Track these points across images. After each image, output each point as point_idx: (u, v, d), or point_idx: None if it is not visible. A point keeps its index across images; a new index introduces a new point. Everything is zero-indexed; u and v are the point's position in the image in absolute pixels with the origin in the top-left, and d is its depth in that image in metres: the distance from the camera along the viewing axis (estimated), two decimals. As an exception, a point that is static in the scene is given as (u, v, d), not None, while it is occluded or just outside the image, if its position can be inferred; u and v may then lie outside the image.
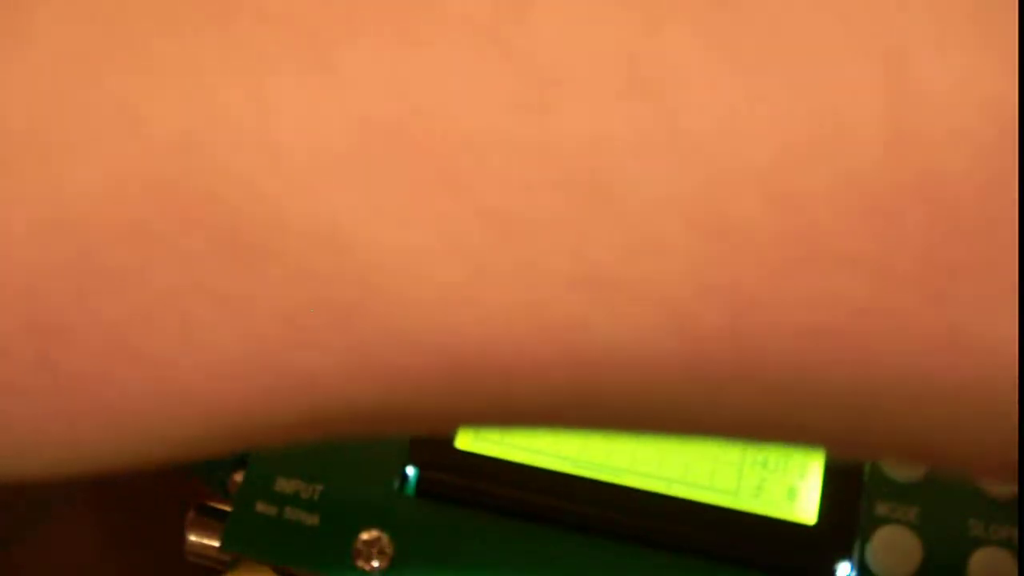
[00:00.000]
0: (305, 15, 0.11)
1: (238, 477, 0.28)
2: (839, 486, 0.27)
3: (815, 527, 0.26)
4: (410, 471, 0.28)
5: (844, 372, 0.11)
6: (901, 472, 0.27)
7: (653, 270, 0.11)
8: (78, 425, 0.13)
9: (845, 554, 0.26)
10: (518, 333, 0.11)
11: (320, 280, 0.12)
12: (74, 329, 0.12)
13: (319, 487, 0.27)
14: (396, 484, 0.28)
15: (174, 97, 0.11)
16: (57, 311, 0.12)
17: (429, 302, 0.11)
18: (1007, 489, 0.26)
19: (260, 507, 0.27)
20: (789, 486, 0.27)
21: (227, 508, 0.27)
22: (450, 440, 0.28)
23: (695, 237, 0.11)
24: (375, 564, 0.27)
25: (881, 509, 0.27)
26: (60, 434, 0.13)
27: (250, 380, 0.12)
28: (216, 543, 0.27)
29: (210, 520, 0.27)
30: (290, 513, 0.27)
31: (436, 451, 0.28)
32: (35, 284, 0.12)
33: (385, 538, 0.27)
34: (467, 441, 0.28)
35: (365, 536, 0.27)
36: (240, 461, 0.28)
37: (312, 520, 0.27)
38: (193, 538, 0.27)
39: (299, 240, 0.11)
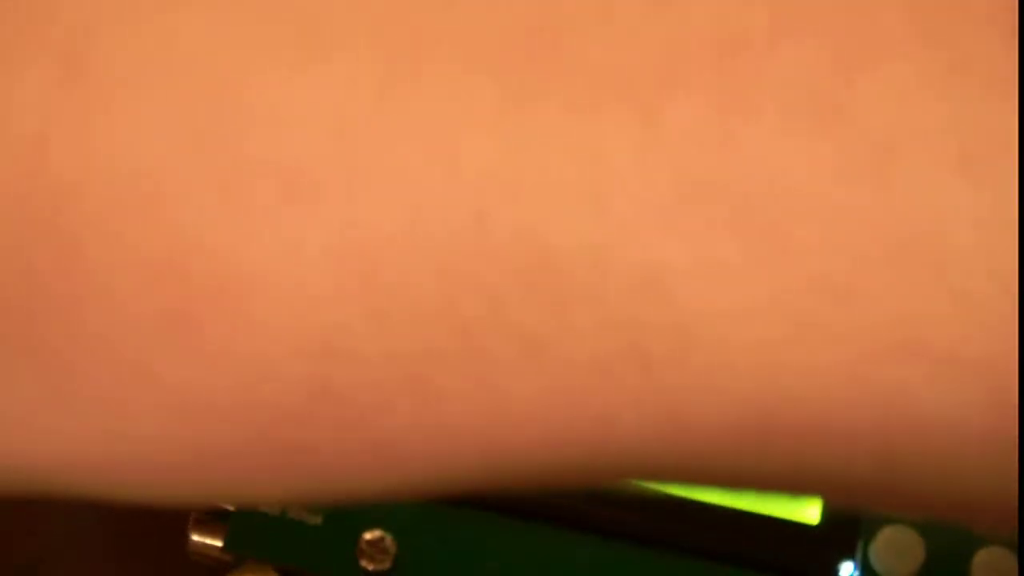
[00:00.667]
0: (628, 67, 0.11)
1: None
2: (842, 486, 0.27)
3: (818, 527, 0.26)
4: (413, 471, 0.27)
5: None
6: (905, 472, 0.27)
7: (980, 345, 0.11)
8: (340, 453, 0.13)
9: (848, 554, 0.26)
10: (835, 396, 0.11)
11: (635, 328, 0.12)
12: (359, 358, 0.12)
13: (321, 487, 0.27)
14: (399, 484, 0.27)
15: (490, 133, 0.12)
16: (345, 337, 0.12)
17: (747, 359, 0.11)
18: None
19: (263, 507, 0.27)
20: (792, 486, 0.27)
21: (230, 508, 0.27)
22: (452, 440, 0.27)
23: (1010, 302, 0.11)
24: (378, 564, 0.27)
25: (884, 509, 0.27)
26: (318, 458, 0.13)
27: (539, 425, 0.12)
28: (219, 543, 0.27)
29: (213, 520, 0.27)
30: (293, 513, 0.27)
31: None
32: (326, 307, 0.12)
33: (388, 538, 0.27)
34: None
35: (368, 536, 0.27)
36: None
37: (315, 520, 0.27)
38: (196, 538, 0.27)
39: (619, 287, 0.11)
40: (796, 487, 0.13)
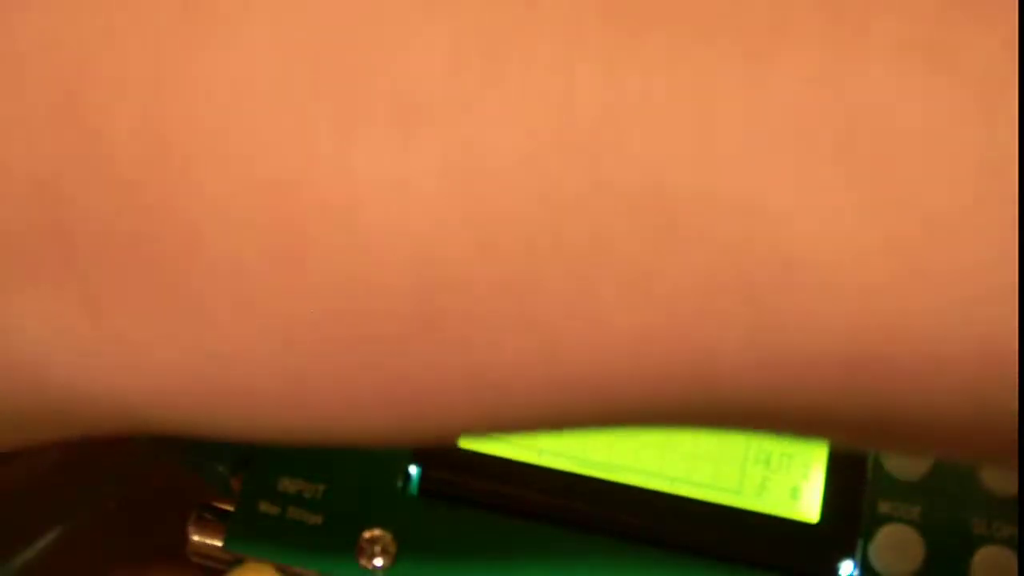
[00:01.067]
0: (740, 10, 0.12)
1: (241, 477, 0.28)
2: (842, 484, 0.27)
3: (818, 525, 0.26)
4: (413, 470, 0.27)
5: None
6: (904, 470, 0.27)
7: None
8: (442, 386, 0.13)
9: (848, 553, 0.26)
10: (938, 332, 0.11)
11: (740, 258, 0.12)
12: (469, 289, 0.12)
13: (322, 487, 0.27)
14: (399, 483, 0.27)
15: (601, 67, 0.12)
16: (452, 268, 0.12)
17: (852, 289, 0.11)
18: (1009, 487, 0.26)
19: (263, 507, 0.27)
20: (792, 485, 0.27)
21: (230, 508, 0.27)
22: (453, 440, 0.27)
23: None
24: (378, 563, 0.27)
25: (884, 507, 0.27)
26: (419, 391, 0.13)
27: (642, 358, 0.12)
28: (219, 543, 0.27)
29: (213, 520, 0.27)
30: (293, 513, 0.27)
31: (439, 450, 0.27)
32: (434, 238, 0.12)
33: (388, 537, 0.27)
34: (470, 440, 0.27)
35: (368, 535, 0.27)
36: (243, 461, 0.28)
37: (315, 519, 0.27)
38: (196, 538, 0.27)
39: (723, 217, 0.12)
40: (877, 431, 0.13)
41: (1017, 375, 0.12)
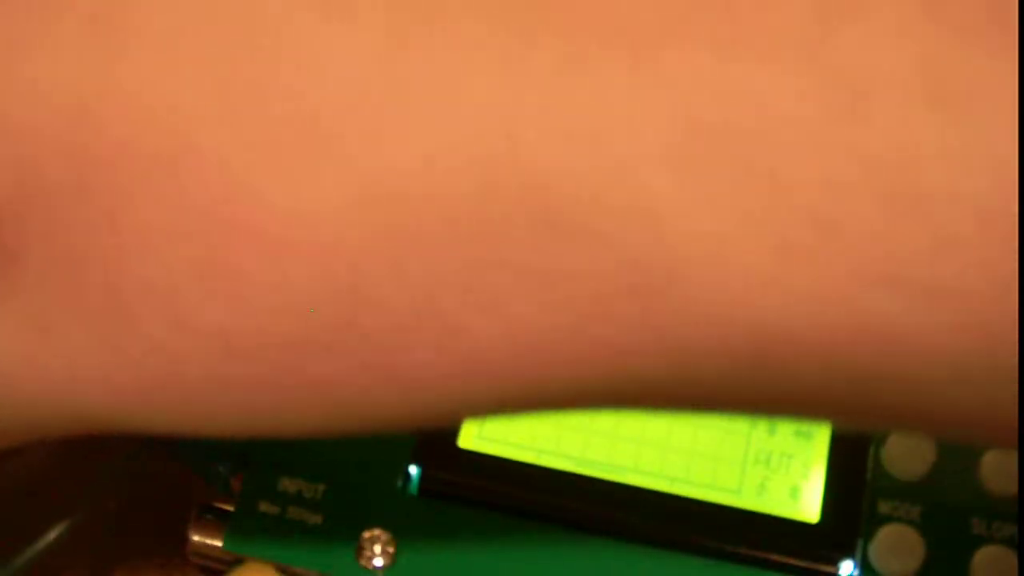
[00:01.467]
0: (627, 15, 0.12)
1: (241, 477, 0.28)
2: (842, 484, 0.27)
3: (818, 525, 0.26)
4: (413, 470, 0.27)
5: None
6: (904, 470, 0.27)
7: (952, 271, 0.12)
8: (364, 386, 0.14)
9: (848, 552, 0.26)
10: (821, 323, 0.12)
11: (630, 260, 0.12)
12: (381, 295, 0.13)
13: (322, 486, 0.27)
14: (399, 483, 0.27)
15: (494, 81, 0.12)
16: (366, 277, 0.13)
17: (735, 286, 0.12)
18: (1009, 487, 0.26)
19: (263, 507, 0.27)
20: (792, 485, 0.27)
21: (229, 508, 0.27)
22: (453, 439, 0.28)
23: (988, 237, 0.11)
24: (378, 563, 0.27)
25: (884, 507, 0.27)
26: (343, 391, 0.14)
27: (548, 350, 0.13)
28: (219, 543, 0.27)
29: (213, 520, 0.27)
30: (293, 512, 0.27)
31: (439, 450, 0.27)
32: (348, 252, 0.13)
33: (388, 537, 0.27)
34: (470, 440, 0.27)
35: (368, 535, 0.27)
36: (243, 461, 0.28)
37: (315, 519, 0.27)
38: (196, 538, 0.27)
39: (614, 221, 0.12)
40: (783, 410, 0.14)
41: (902, 359, 0.12)
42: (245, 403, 0.14)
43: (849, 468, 0.27)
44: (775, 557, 0.26)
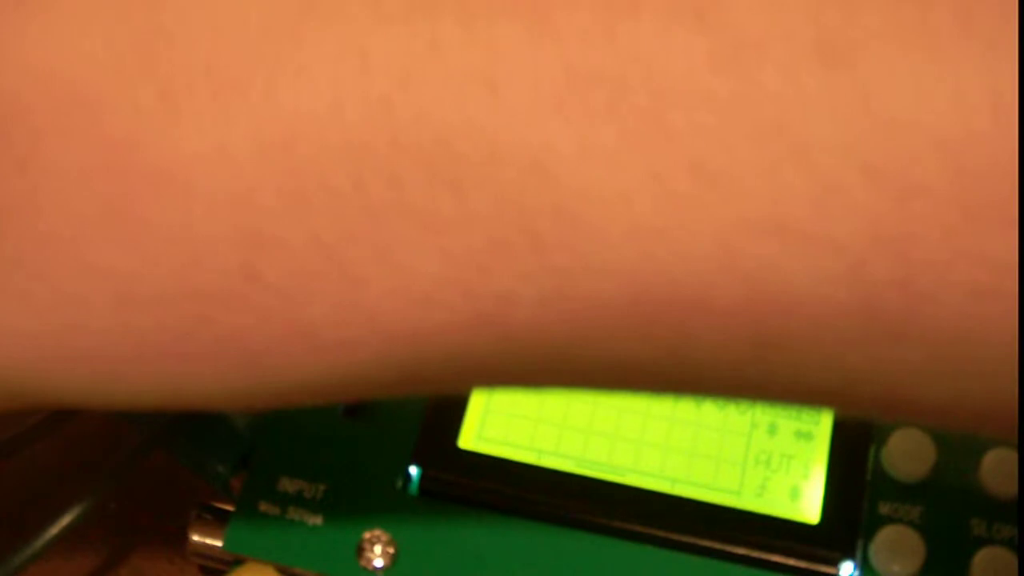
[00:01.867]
0: None
1: (241, 477, 0.28)
2: (842, 485, 0.27)
3: (818, 526, 0.26)
4: (413, 471, 0.27)
5: (998, 332, 0.12)
6: (904, 471, 0.27)
7: (834, 220, 0.12)
8: (271, 339, 0.14)
9: (848, 553, 0.26)
10: (707, 271, 0.12)
11: (524, 209, 0.13)
12: (283, 243, 0.13)
13: (322, 487, 0.27)
14: (399, 484, 0.27)
15: (398, 33, 0.13)
16: (269, 224, 0.13)
17: (626, 235, 0.12)
18: (1010, 488, 0.26)
19: (263, 507, 0.27)
20: (792, 485, 0.27)
21: (230, 508, 0.27)
22: (453, 440, 0.27)
23: (874, 192, 0.12)
24: (378, 563, 0.27)
25: (884, 508, 0.27)
26: (250, 345, 0.14)
27: (444, 304, 0.13)
28: (219, 543, 0.27)
29: (213, 520, 0.27)
30: (293, 513, 0.27)
31: (439, 451, 0.27)
32: (251, 197, 0.13)
33: (388, 537, 0.27)
34: (470, 441, 0.27)
35: (368, 535, 0.27)
36: (243, 461, 0.28)
37: (315, 520, 0.27)
38: (196, 538, 0.27)
39: (508, 169, 0.13)
40: (683, 376, 0.14)
41: (795, 314, 0.12)
42: (153, 358, 0.14)
43: (849, 469, 0.27)
44: (775, 558, 0.26)
